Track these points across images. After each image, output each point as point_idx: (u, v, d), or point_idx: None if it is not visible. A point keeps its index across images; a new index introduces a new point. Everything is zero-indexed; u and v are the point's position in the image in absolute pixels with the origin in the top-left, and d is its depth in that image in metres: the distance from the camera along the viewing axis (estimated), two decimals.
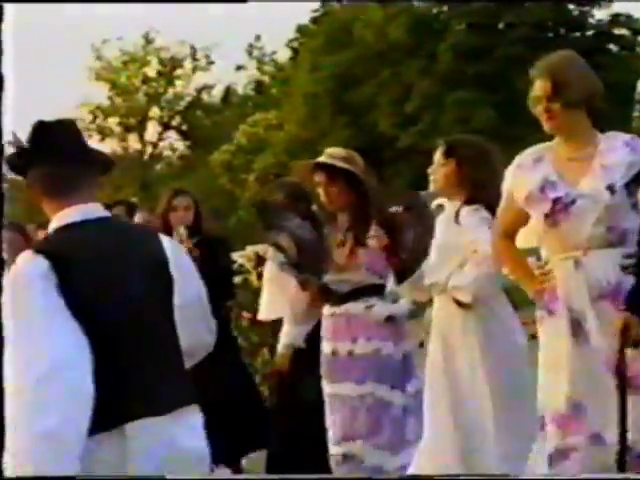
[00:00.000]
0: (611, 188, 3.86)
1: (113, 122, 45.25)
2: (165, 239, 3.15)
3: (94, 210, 2.98)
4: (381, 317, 5.17)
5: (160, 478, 2.91)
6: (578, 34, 33.49)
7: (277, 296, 5.89)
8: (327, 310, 5.27)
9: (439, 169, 4.81)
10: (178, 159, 47.18)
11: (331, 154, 5.36)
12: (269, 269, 5.98)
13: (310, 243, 5.38)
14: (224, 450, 5.07)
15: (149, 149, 46.68)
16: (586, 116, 3.89)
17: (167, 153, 47.69)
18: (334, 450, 5.17)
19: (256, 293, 6.70)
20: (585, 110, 3.87)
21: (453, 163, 4.75)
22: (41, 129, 2.92)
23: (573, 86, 3.81)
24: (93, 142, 43.84)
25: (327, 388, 5.24)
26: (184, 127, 46.19)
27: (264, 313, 6.16)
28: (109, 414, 2.79)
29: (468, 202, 4.69)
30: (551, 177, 3.93)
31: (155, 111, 45.82)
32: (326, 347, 5.24)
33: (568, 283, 3.91)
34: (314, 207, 5.73)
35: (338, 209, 5.25)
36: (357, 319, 5.20)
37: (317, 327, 5.43)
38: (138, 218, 6.92)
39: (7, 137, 2.90)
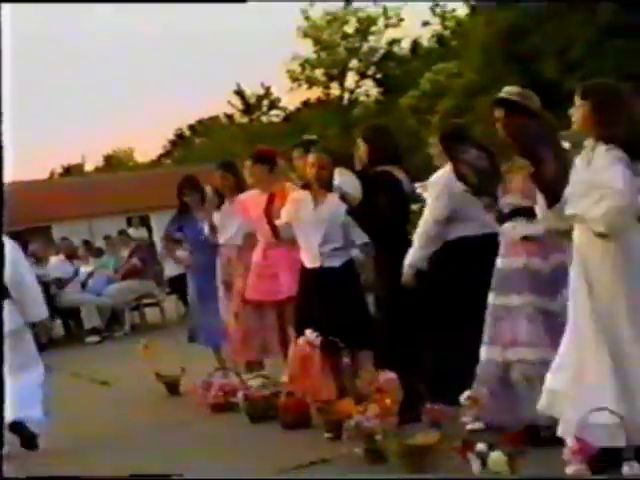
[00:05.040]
0: None
1: (319, 73, 46.53)
2: (8, 242, 4.89)
3: None
4: (518, 236, 5.26)
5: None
6: None
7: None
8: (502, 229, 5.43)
9: (577, 110, 4.62)
10: (373, 103, 47.18)
11: (509, 92, 5.36)
12: None
13: (487, 171, 5.44)
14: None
15: (348, 95, 47.40)
16: None
17: (363, 98, 48.15)
18: (499, 356, 5.33)
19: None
20: None
21: (588, 105, 4.54)
22: None
23: None
24: (301, 90, 47.16)
25: (493, 299, 5.37)
26: (378, 76, 46.91)
27: None
28: None
29: (603, 140, 4.51)
30: None
31: (354, 63, 46.69)
32: (497, 262, 5.42)
33: None
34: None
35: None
36: (506, 237, 5.37)
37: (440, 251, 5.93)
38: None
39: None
